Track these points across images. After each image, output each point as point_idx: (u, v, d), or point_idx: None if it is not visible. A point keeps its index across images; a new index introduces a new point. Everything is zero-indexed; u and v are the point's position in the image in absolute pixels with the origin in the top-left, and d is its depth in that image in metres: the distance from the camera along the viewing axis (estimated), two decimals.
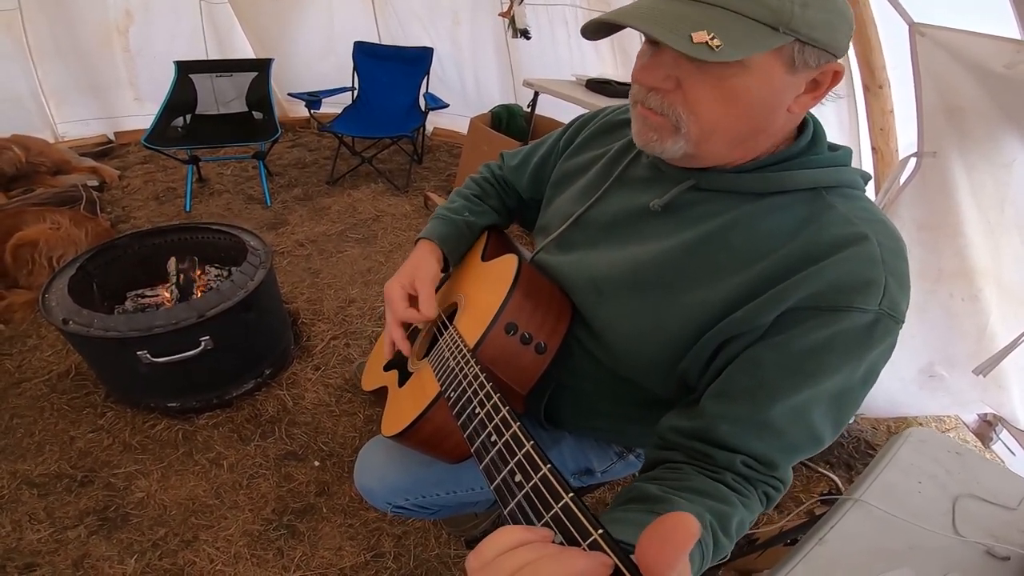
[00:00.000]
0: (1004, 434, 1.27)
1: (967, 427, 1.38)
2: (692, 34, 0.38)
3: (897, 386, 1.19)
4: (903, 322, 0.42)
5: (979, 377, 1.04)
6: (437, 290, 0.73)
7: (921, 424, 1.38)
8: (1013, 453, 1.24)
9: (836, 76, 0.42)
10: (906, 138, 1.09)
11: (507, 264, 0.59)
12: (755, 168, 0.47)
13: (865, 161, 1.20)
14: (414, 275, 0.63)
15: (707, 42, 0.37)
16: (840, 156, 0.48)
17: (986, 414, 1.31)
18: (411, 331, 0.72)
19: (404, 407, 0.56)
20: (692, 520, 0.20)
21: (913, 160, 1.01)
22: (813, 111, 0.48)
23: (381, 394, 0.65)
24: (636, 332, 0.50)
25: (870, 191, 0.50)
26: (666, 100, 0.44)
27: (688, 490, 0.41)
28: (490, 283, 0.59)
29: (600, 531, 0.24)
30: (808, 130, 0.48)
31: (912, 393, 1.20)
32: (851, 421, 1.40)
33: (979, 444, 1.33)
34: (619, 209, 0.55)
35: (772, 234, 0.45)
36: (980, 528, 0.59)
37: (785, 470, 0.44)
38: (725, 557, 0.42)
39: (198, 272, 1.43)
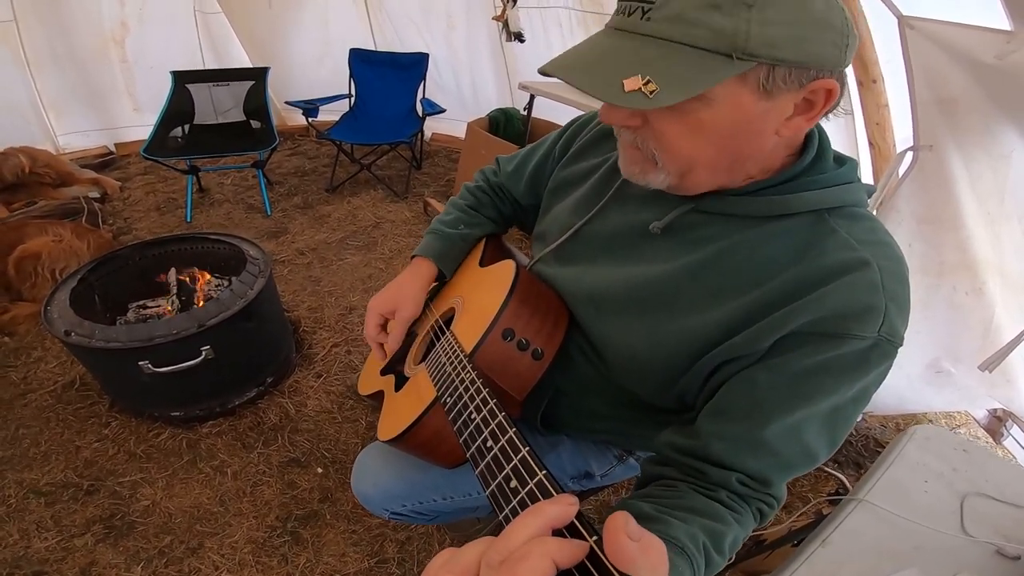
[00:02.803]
0: (1015, 430, 1.25)
1: (977, 423, 1.36)
2: (624, 81, 0.35)
3: (904, 383, 1.18)
4: (901, 345, 0.42)
5: (986, 372, 1.02)
6: (434, 296, 0.73)
7: (931, 421, 1.36)
8: None
9: (830, 95, 0.38)
10: (903, 132, 1.08)
11: (504, 270, 0.59)
12: (757, 190, 0.45)
13: (863, 157, 1.19)
14: (396, 305, 0.65)
15: (640, 88, 0.34)
16: (845, 172, 0.45)
17: (996, 409, 1.30)
18: (409, 333, 0.72)
19: (400, 412, 0.56)
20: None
21: (910, 154, 1.00)
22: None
23: (378, 398, 0.65)
24: (632, 350, 0.50)
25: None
26: (638, 135, 0.42)
27: (682, 508, 0.41)
28: (487, 289, 0.59)
29: (595, 538, 0.24)
30: (812, 146, 0.45)
31: (919, 389, 1.19)
32: (860, 419, 1.38)
33: (990, 440, 1.31)
34: (618, 225, 0.54)
35: (773, 259, 0.43)
36: (989, 527, 0.58)
37: (779, 487, 0.44)
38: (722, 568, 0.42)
39: (200, 282, 1.44)
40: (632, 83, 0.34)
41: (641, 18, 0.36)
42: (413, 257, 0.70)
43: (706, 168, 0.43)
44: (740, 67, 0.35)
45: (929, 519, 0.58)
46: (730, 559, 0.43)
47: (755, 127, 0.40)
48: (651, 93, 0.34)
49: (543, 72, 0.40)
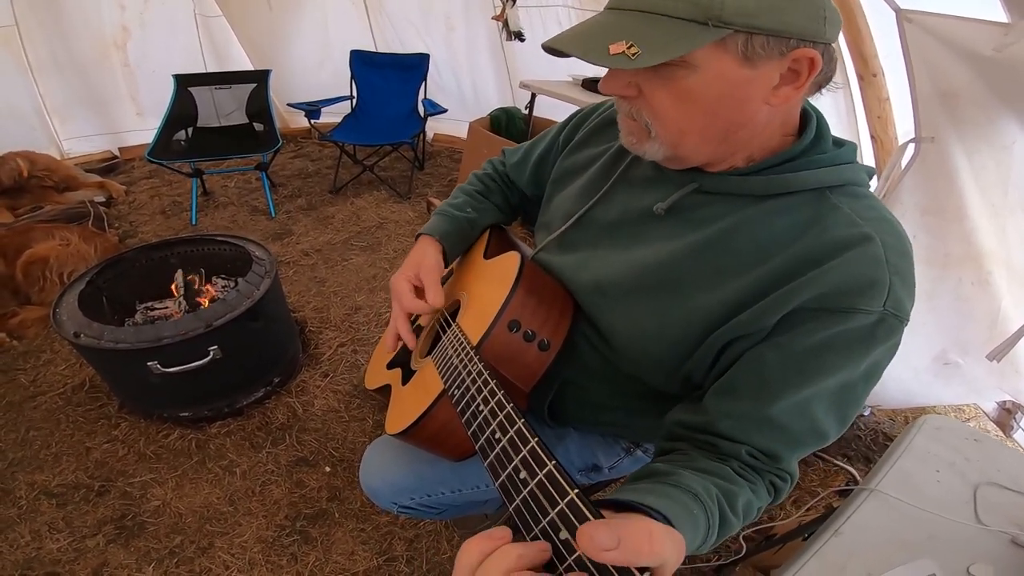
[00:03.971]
0: None
1: (987, 416, 1.34)
2: (610, 45, 0.38)
3: (910, 375, 1.17)
4: (908, 321, 0.42)
5: (995, 363, 1.01)
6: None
7: (940, 414, 1.35)
8: None
9: (812, 64, 0.39)
10: (905, 125, 1.07)
11: (509, 262, 0.59)
12: (758, 170, 0.46)
13: (865, 150, 1.19)
14: (419, 267, 0.63)
15: (624, 51, 0.38)
16: (844, 153, 0.46)
17: (1005, 402, 1.28)
18: (414, 328, 0.72)
19: (407, 405, 0.56)
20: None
21: (912, 146, 0.99)
22: (812, 101, 0.47)
23: (384, 392, 0.65)
24: (640, 334, 0.50)
25: (872, 180, 0.49)
26: (634, 106, 0.45)
27: (695, 469, 0.41)
28: (492, 281, 0.59)
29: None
30: (811, 128, 0.46)
31: (927, 382, 1.18)
32: (866, 413, 1.37)
33: (1000, 433, 1.30)
34: (622, 210, 0.55)
35: (776, 237, 0.44)
36: (1004, 516, 0.58)
37: (790, 463, 0.44)
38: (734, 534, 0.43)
39: (206, 284, 1.45)
40: (616, 47, 0.38)
41: None
42: (419, 236, 0.69)
43: (697, 137, 0.44)
44: (716, 34, 0.37)
45: (942, 508, 0.58)
46: (745, 527, 0.43)
47: (741, 94, 0.41)
48: (633, 55, 0.37)
49: (545, 47, 0.43)
